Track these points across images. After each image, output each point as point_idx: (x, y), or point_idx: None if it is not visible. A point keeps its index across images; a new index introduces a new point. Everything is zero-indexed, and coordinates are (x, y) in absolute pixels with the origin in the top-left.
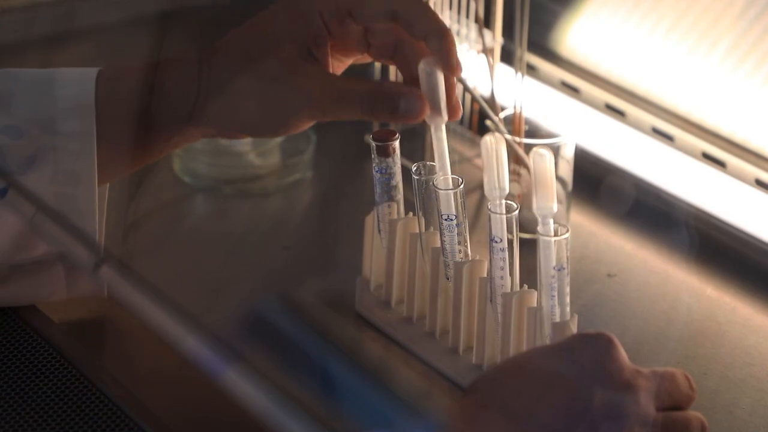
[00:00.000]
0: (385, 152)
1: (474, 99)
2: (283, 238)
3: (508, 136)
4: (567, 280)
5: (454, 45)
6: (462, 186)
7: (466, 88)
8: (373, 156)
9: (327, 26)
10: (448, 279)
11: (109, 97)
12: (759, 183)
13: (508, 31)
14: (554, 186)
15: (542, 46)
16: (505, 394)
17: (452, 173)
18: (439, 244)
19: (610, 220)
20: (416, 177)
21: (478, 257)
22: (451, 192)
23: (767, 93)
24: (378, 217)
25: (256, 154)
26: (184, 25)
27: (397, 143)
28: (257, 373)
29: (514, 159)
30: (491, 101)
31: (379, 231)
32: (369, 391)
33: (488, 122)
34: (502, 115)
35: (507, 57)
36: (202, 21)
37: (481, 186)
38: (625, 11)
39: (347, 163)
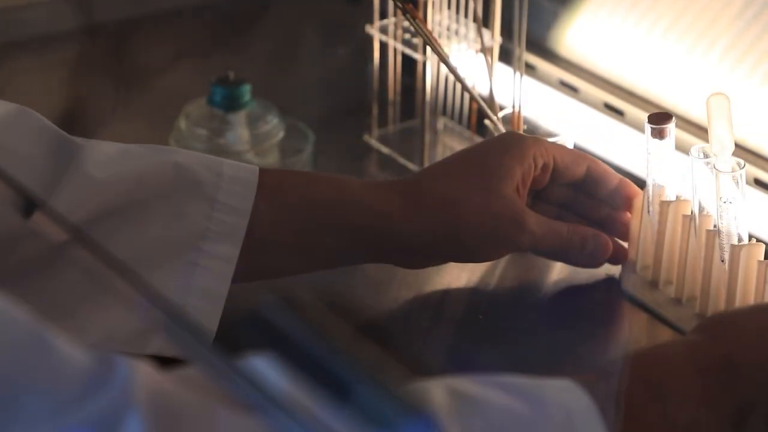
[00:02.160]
0: (660, 135)
1: (473, 98)
2: None
3: None
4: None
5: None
6: (744, 168)
7: (464, 88)
8: (646, 137)
9: (536, 173)
10: (722, 261)
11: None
12: (758, 183)
13: (506, 31)
14: (731, 126)
15: (541, 46)
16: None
17: None
18: (712, 227)
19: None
20: (696, 159)
21: (754, 240)
22: (731, 174)
23: (766, 92)
24: (648, 198)
25: (254, 153)
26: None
27: (672, 126)
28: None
29: None
30: (490, 100)
31: (649, 212)
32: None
33: (487, 122)
34: (501, 114)
35: (506, 56)
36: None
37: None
38: (623, 11)
39: (346, 163)
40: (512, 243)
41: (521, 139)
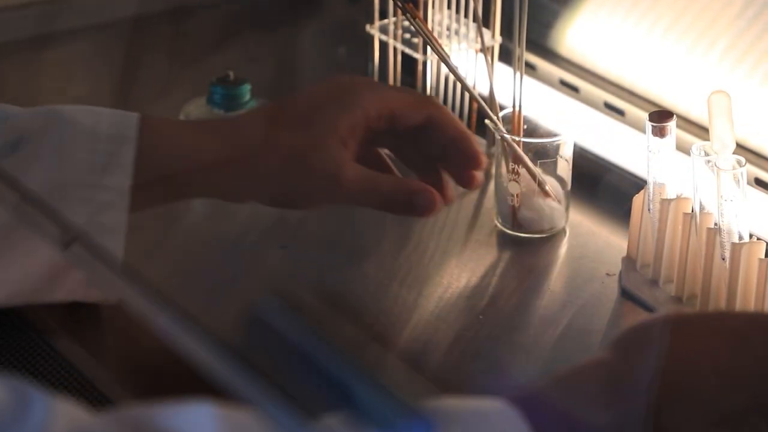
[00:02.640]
0: (660, 133)
1: (473, 98)
2: (281, 237)
3: (507, 136)
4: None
5: (477, 148)
6: (745, 167)
7: (464, 87)
8: (647, 136)
9: (367, 121)
10: (723, 260)
11: (150, 152)
12: (758, 182)
13: (506, 30)
14: (732, 124)
15: (541, 45)
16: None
17: None
18: (713, 225)
19: (610, 220)
20: (697, 157)
21: (756, 238)
22: (732, 172)
23: (766, 92)
24: (649, 196)
25: None
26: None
27: (673, 124)
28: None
29: (513, 158)
30: (490, 100)
31: (649, 210)
32: None
33: (487, 121)
34: (501, 114)
35: (506, 56)
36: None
37: (481, 187)
38: (623, 10)
39: None
40: (327, 197)
41: (352, 85)
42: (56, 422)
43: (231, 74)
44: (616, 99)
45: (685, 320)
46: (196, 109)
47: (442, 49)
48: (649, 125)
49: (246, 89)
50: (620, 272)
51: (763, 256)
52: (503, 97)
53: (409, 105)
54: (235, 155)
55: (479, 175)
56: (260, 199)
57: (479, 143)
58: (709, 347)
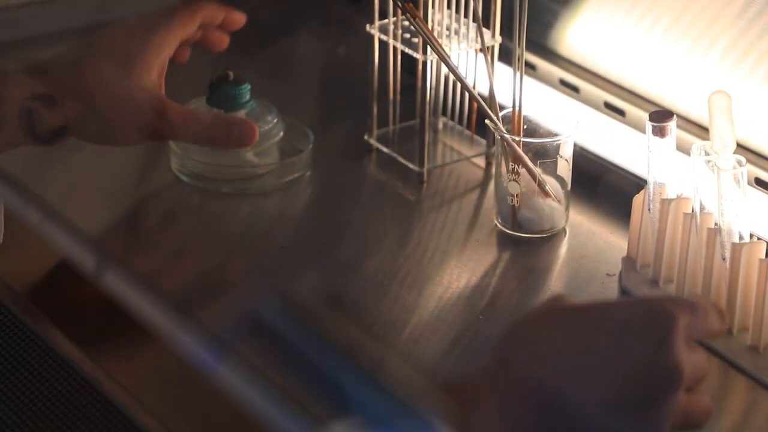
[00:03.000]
0: (661, 133)
1: (473, 98)
2: (282, 237)
3: (507, 136)
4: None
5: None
6: (745, 167)
7: (464, 87)
8: (647, 135)
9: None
10: (723, 259)
11: None
12: (759, 182)
13: (506, 30)
14: (732, 124)
15: (541, 45)
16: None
17: (451, 173)
18: (713, 225)
19: (610, 219)
20: (697, 156)
21: (756, 238)
22: (732, 172)
23: (766, 92)
24: (649, 196)
25: (254, 152)
26: None
27: (673, 124)
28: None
29: (513, 158)
30: (490, 100)
31: (649, 210)
32: None
33: (487, 121)
34: (501, 114)
35: (506, 56)
36: None
37: (481, 184)
38: (624, 10)
39: (346, 162)
40: (151, 133)
41: (157, 23)
42: None
43: (231, 74)
44: (616, 99)
45: (562, 312)
46: (199, 107)
47: (442, 49)
48: (649, 125)
49: (246, 89)
50: (620, 272)
51: (763, 256)
52: (503, 97)
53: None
54: (59, 95)
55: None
56: (86, 136)
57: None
58: (585, 340)
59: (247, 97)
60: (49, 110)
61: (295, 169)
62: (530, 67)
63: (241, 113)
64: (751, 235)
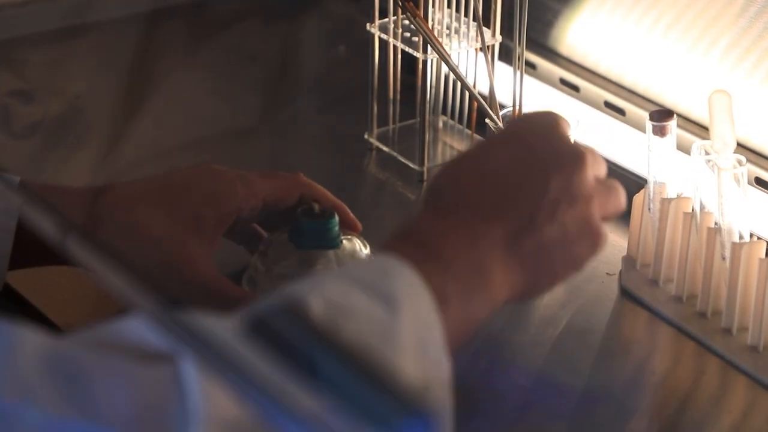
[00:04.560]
0: (661, 132)
1: (473, 97)
2: None
3: None
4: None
5: (352, 217)
6: (746, 166)
7: (465, 86)
8: (648, 135)
9: (239, 214)
10: (723, 259)
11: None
12: (759, 182)
13: (507, 29)
14: (733, 124)
15: (541, 44)
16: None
17: None
18: (713, 224)
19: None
20: (698, 156)
21: (756, 238)
22: (733, 172)
23: (766, 92)
24: (649, 195)
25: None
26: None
27: (673, 123)
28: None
29: None
30: (490, 99)
31: (650, 209)
32: None
33: (487, 121)
34: (501, 113)
35: (506, 55)
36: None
37: None
38: (624, 9)
39: (346, 162)
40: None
41: (222, 182)
42: (24, 347)
43: (316, 206)
44: (616, 98)
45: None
46: (279, 245)
47: (443, 48)
48: (649, 124)
49: (334, 223)
50: (620, 272)
51: (763, 256)
52: (503, 96)
53: (280, 190)
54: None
55: None
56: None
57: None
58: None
59: (336, 230)
60: (26, 107)
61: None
62: (530, 67)
63: (330, 254)
64: (751, 235)
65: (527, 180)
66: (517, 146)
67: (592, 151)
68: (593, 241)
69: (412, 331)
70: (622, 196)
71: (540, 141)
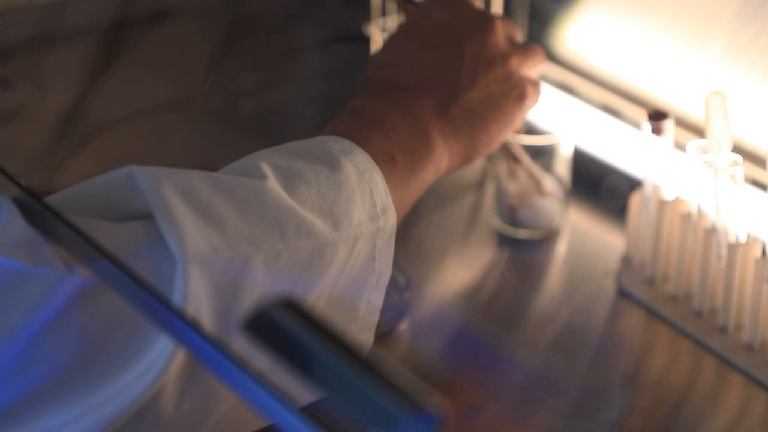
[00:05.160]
0: (658, 132)
1: None
2: None
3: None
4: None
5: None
6: (741, 166)
7: None
8: (645, 135)
9: None
10: (719, 259)
11: None
12: (756, 183)
13: None
14: (729, 124)
15: (540, 45)
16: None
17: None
18: (709, 224)
19: (608, 219)
20: (694, 156)
21: (752, 238)
22: (729, 172)
23: (762, 93)
24: (646, 196)
25: None
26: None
27: (670, 123)
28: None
29: (512, 158)
30: None
31: (647, 209)
32: None
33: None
34: None
35: None
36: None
37: (479, 184)
38: (622, 11)
39: None
40: None
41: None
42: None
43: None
44: (614, 99)
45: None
46: None
47: None
48: (646, 124)
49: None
50: (618, 271)
51: (759, 256)
52: None
53: None
54: None
55: None
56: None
57: None
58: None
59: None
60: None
61: None
62: None
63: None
64: (748, 235)
65: (444, 53)
66: (429, 26)
67: (503, 17)
68: (519, 94)
69: (355, 180)
70: (539, 51)
71: (448, 16)
